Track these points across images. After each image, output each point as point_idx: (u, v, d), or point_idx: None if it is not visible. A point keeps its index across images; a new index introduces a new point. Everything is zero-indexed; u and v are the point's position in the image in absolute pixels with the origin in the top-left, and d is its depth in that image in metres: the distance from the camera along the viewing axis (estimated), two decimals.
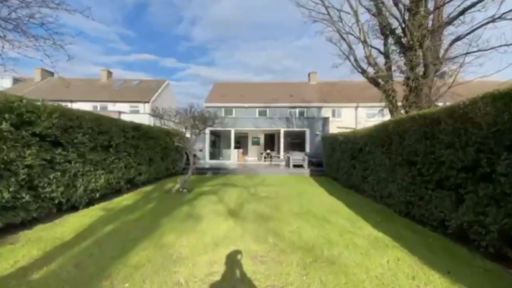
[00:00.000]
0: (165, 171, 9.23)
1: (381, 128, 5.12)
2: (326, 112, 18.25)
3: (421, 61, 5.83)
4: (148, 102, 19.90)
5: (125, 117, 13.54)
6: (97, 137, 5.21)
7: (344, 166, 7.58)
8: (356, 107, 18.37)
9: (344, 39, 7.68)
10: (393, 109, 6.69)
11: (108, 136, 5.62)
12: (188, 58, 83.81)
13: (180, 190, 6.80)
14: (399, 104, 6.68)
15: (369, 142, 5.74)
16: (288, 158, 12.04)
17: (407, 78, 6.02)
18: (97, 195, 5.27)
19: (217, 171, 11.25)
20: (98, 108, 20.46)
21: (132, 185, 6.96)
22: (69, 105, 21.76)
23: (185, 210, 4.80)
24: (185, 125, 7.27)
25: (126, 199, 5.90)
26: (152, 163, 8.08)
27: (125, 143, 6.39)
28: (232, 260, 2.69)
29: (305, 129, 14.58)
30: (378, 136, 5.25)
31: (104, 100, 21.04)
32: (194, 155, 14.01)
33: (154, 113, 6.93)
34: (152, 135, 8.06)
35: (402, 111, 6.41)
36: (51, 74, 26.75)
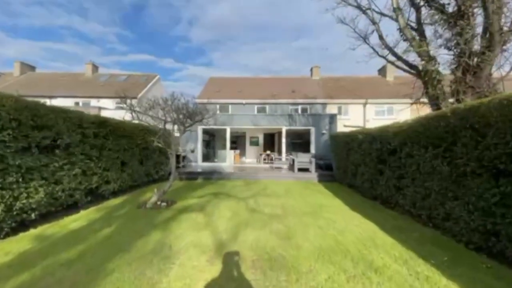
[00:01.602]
0: (145, 177, 7.74)
1: (433, 122, 3.70)
2: (331, 109, 16.86)
3: (478, 31, 4.45)
4: (135, 98, 18.33)
5: (107, 114, 12.05)
6: (30, 134, 3.72)
7: (366, 171, 6.16)
8: (365, 104, 17.00)
9: (364, 13, 6.27)
10: (439, 97, 5.27)
11: (51, 132, 4.13)
12: (186, 59, 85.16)
13: (157, 203, 5.33)
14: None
15: (410, 141, 4.32)
16: (292, 160, 10.60)
17: (460, 55, 4.62)
18: (33, 215, 3.79)
19: (209, 176, 9.79)
20: (80, 104, 18.90)
21: (96, 197, 5.49)
22: (47, 101, 20.18)
23: (153, 241, 3.34)
24: (165, 120, 5.81)
25: (80, 218, 4.42)
26: (126, 167, 6.59)
27: (82, 142, 4.90)
28: None
29: (310, 127, 13.16)
30: (427, 133, 3.83)
31: (87, 96, 19.46)
32: (184, 157, 12.54)
33: (124, 104, 5.45)
34: (126, 133, 6.58)
35: (450, 100, 5.02)
36: (32, 68, 25.17)
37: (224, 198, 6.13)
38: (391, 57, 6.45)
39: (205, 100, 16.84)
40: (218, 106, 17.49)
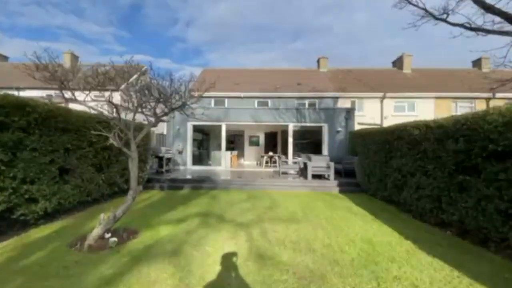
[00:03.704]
0: (107, 188, 5.75)
1: None
2: (344, 104, 14.92)
3: None
4: (116, 90, 16.27)
5: (80, 107, 10.07)
6: None
7: (428, 184, 4.24)
8: (382, 98, 15.11)
9: None
10: None
11: None
12: (183, 60, 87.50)
13: (105, 238, 3.36)
14: None
15: None
16: (304, 164, 8.66)
17: None
18: None
19: (199, 185, 7.81)
20: (53, 96, 16.80)
21: (11, 224, 3.52)
22: (15, 94, 18.06)
23: None
24: (112, 103, 3.87)
25: None
26: (71, 176, 4.60)
27: None
28: None
29: (322, 124, 11.24)
30: None
31: (62, 88, 17.31)
32: (169, 160, 10.53)
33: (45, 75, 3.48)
34: (70, 126, 4.60)
35: None
36: (4, 58, 23.12)
37: (214, 224, 4.16)
38: (458, 17, 4.53)
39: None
40: (212, 101, 15.52)
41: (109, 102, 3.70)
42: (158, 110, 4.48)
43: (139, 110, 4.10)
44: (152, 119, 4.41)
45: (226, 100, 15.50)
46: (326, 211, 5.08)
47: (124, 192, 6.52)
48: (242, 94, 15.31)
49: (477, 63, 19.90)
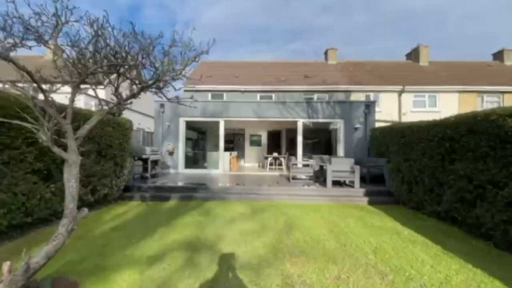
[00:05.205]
0: (62, 202, 4.29)
1: None
2: (357, 99, 13.58)
3: None
4: (102, 84, 14.84)
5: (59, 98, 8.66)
6: None
7: None
8: (401, 92, 13.72)
9: None
10: None
11: None
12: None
13: None
14: None
15: None
16: (321, 168, 7.25)
17: None
18: None
19: (191, 194, 6.38)
20: (31, 92, 15.31)
21: None
22: None
23: None
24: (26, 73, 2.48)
25: None
26: None
27: None
28: None
29: (337, 120, 9.83)
30: None
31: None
32: (156, 162, 9.10)
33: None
34: None
35: None
36: None
37: (205, 266, 2.72)
38: None
39: (196, 87, 13.45)
40: (209, 95, 14.11)
41: (6, 59, 2.27)
42: (121, 90, 3.08)
43: (81, 82, 2.68)
44: (111, 104, 3.00)
45: (224, 95, 14.08)
46: (367, 237, 3.65)
47: (91, 206, 5.10)
48: (243, 88, 13.89)
49: (498, 55, 18.62)
